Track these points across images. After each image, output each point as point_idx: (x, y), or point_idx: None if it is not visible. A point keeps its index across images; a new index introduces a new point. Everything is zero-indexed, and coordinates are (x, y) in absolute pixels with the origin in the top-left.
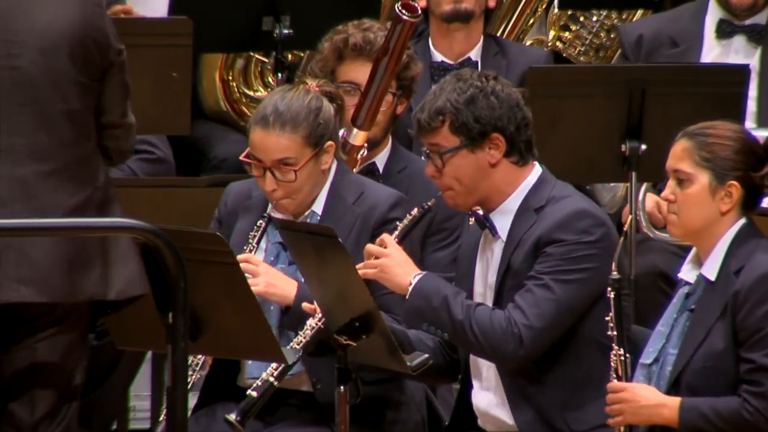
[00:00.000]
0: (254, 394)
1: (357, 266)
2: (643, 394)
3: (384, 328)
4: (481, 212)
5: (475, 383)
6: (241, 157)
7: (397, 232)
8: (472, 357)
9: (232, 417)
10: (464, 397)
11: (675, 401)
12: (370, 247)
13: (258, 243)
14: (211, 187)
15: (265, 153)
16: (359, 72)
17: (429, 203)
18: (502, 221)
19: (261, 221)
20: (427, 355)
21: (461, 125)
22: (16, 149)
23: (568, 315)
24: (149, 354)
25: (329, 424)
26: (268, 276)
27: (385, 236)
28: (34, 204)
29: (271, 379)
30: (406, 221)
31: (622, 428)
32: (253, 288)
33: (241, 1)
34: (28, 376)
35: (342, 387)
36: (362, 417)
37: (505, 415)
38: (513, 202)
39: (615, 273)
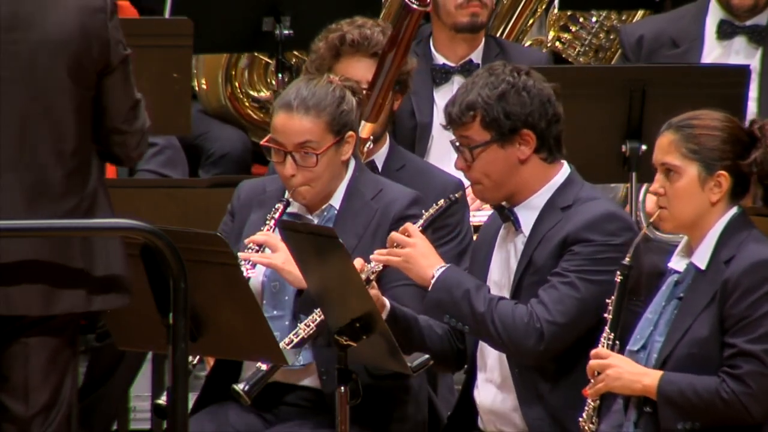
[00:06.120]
0: (264, 367)
1: (379, 252)
2: (627, 364)
3: (384, 328)
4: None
5: (480, 375)
6: (262, 142)
7: (421, 221)
8: (479, 348)
9: (240, 387)
10: (467, 393)
11: (657, 372)
12: (394, 234)
13: (276, 224)
14: (211, 187)
15: (287, 136)
16: (357, 69)
17: (456, 195)
18: (527, 216)
19: (279, 204)
20: (427, 356)
21: (492, 121)
22: (17, 160)
23: (590, 314)
24: (149, 354)
25: (332, 422)
26: (287, 255)
27: (408, 225)
28: (31, 215)
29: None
30: (431, 211)
31: (592, 403)
32: (272, 261)
33: (241, 1)
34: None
35: (342, 387)
36: (364, 414)
37: (509, 411)
38: (539, 199)
39: (628, 259)
